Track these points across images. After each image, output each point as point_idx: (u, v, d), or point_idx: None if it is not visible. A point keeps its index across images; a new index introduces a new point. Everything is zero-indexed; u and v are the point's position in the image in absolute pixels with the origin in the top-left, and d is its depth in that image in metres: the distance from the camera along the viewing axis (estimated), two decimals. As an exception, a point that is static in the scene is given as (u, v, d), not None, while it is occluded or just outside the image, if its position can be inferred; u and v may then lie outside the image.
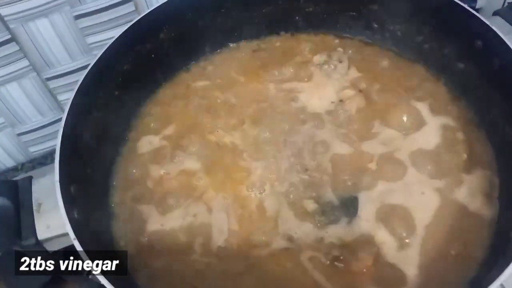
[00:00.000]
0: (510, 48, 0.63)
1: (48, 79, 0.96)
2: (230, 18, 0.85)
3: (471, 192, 0.66)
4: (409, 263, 0.61)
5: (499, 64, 0.66)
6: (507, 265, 0.49)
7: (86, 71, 0.70)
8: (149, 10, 0.77)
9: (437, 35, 0.75)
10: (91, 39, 0.93)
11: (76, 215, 0.58)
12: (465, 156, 0.69)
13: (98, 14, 0.90)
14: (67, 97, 0.93)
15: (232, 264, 0.63)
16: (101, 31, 0.92)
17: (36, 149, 1.09)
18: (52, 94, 0.99)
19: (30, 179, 0.61)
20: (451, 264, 0.61)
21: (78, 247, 0.52)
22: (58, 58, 0.93)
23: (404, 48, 0.80)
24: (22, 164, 1.09)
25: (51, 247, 0.59)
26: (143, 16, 0.77)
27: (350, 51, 0.82)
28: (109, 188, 0.72)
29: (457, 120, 0.72)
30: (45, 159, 1.09)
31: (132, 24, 0.76)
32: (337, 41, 0.84)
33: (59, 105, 1.02)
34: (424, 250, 0.62)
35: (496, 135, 0.68)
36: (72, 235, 0.53)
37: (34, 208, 0.58)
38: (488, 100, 0.69)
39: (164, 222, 0.68)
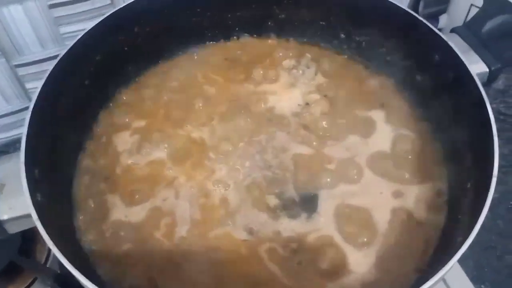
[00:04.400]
0: (463, 62, 0.68)
1: (17, 66, 0.95)
2: (205, 18, 0.87)
3: (421, 196, 0.70)
4: (363, 261, 0.64)
5: (453, 77, 0.71)
6: (447, 262, 0.53)
7: (60, 55, 0.70)
8: (124, 4, 0.78)
9: (399, 49, 0.80)
10: (64, 29, 0.93)
11: (39, 198, 0.58)
12: (418, 162, 0.73)
13: (73, 5, 0.90)
14: (35, 86, 0.93)
15: (193, 252, 0.65)
16: (74, 22, 0.93)
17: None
18: (20, 81, 0.98)
19: (-7, 160, 0.61)
20: (403, 262, 0.64)
21: (40, 228, 0.53)
22: (29, 45, 0.92)
23: (368, 59, 0.85)
24: (-17, 152, 1.07)
25: (12, 228, 0.59)
26: (118, 10, 0.78)
27: (317, 58, 0.85)
28: (74, 176, 0.72)
29: (412, 128, 0.76)
30: (7, 148, 1.07)
31: (106, 17, 0.76)
32: (306, 47, 0.87)
33: (26, 94, 1.01)
34: (378, 250, 0.65)
35: (447, 144, 0.73)
36: (34, 215, 0.54)
37: (-4, 188, 0.58)
38: (442, 111, 0.74)
39: (129, 212, 0.69)
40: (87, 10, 0.92)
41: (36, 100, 0.65)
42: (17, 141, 1.06)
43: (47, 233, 0.53)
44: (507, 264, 0.89)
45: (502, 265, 0.89)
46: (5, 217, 0.57)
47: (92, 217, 0.68)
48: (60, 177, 0.69)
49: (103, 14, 0.90)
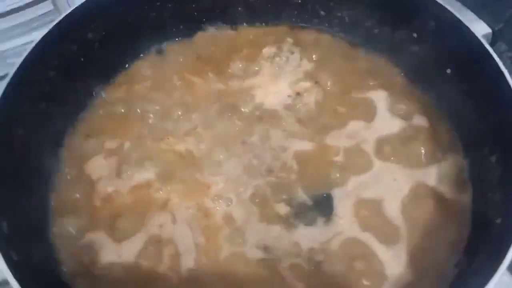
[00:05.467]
0: (465, 26, 0.62)
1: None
2: (166, 12, 0.77)
3: (441, 177, 0.64)
4: (397, 260, 0.58)
5: (454, 43, 0.65)
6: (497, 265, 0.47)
7: (5, 82, 0.59)
8: (74, 7, 0.67)
9: (387, 19, 0.73)
10: (4, 46, 0.80)
11: (14, 258, 0.48)
12: (429, 140, 0.67)
13: (11, 16, 0.78)
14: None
15: (206, 284, 0.56)
16: (16, 36, 0.80)
17: None
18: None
19: None
20: (436, 253, 0.58)
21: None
22: (-35, 70, 0.79)
23: (354, 35, 0.77)
24: None
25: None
26: (67, 14, 0.67)
27: (299, 41, 0.77)
28: (48, 218, 0.61)
29: (416, 105, 0.70)
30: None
31: (56, 24, 0.66)
32: (285, 31, 0.79)
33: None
34: (409, 243, 0.59)
35: (457, 116, 0.67)
36: (13, 282, 0.43)
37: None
38: (445, 81, 0.68)
39: (121, 250, 0.59)
40: (28, 20, 0.79)
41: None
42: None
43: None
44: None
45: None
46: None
47: (79, 265, 0.58)
48: (33, 225, 0.58)
49: (48, 23, 0.79)
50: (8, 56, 0.82)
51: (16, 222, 0.53)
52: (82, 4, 0.68)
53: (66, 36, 0.68)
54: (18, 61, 0.62)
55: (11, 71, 0.60)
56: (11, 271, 0.45)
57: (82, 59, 0.71)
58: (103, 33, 0.72)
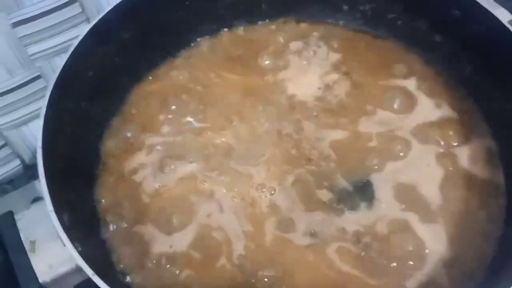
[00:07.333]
0: (490, 13, 0.65)
1: (-15, 101, 0.82)
2: (193, 11, 0.79)
3: (472, 158, 0.67)
4: (438, 238, 0.60)
5: (479, 31, 0.67)
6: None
7: (52, 82, 0.60)
8: (109, 9, 0.69)
9: (409, 10, 0.76)
10: (32, 49, 0.81)
11: (80, 249, 0.49)
12: (458, 124, 0.70)
13: (40, 20, 0.78)
14: (5, 121, 0.81)
15: (259, 271, 0.58)
16: (44, 39, 0.81)
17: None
18: (-11, 118, 0.85)
19: (11, 214, 0.50)
20: (476, 229, 0.61)
21: (100, 283, 0.44)
22: (-5, 75, 0.80)
23: (377, 27, 0.80)
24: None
25: (56, 290, 0.49)
26: (104, 15, 0.68)
27: (325, 35, 0.79)
28: (99, 214, 0.62)
29: (443, 91, 0.73)
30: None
31: (94, 25, 0.67)
32: (310, 26, 0.81)
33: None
34: (448, 224, 0.61)
35: (484, 101, 0.70)
36: (88, 268, 0.45)
37: (27, 248, 0.48)
38: (471, 68, 0.71)
39: (172, 241, 0.60)
40: (57, 23, 0.80)
41: (43, 131, 0.55)
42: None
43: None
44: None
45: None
46: (46, 278, 0.47)
47: (132, 257, 0.59)
48: (86, 219, 0.59)
49: (75, 26, 0.81)
50: (36, 59, 0.82)
51: (73, 216, 0.54)
52: (116, 6, 0.69)
53: (103, 37, 0.69)
54: (61, 63, 0.63)
55: (55, 74, 0.61)
56: (84, 260, 0.46)
57: (116, 59, 0.72)
58: (135, 33, 0.74)
